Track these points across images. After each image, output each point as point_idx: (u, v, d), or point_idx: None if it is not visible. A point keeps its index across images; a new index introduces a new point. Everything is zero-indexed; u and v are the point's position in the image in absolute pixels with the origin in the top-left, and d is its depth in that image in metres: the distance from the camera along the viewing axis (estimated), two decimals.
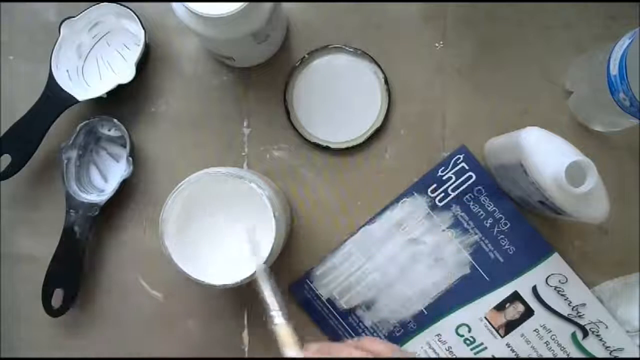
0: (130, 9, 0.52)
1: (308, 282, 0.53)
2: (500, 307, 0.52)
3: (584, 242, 0.52)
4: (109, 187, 0.54)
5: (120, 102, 0.54)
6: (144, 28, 0.52)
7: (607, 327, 0.51)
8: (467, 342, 0.52)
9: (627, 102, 0.43)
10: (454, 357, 0.52)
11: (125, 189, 0.54)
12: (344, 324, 0.53)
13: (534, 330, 0.52)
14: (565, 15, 0.53)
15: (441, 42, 0.54)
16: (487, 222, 0.52)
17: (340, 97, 0.53)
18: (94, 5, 0.52)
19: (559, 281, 0.51)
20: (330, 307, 0.53)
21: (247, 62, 0.53)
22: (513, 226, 0.52)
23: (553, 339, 0.52)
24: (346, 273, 0.53)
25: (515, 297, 0.52)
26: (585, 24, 0.53)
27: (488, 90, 0.53)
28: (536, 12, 0.53)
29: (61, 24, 0.52)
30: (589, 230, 0.52)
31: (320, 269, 0.53)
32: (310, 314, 0.53)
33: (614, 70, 0.44)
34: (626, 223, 0.52)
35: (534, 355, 0.52)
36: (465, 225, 0.52)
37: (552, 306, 0.51)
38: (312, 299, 0.53)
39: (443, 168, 0.53)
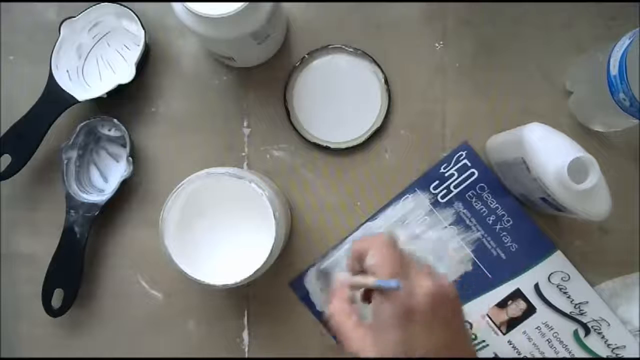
0: (130, 9, 0.52)
1: (310, 277, 0.53)
2: (502, 304, 0.52)
3: (585, 241, 0.52)
4: (109, 187, 0.54)
5: (120, 102, 0.54)
6: (144, 28, 0.52)
7: (609, 325, 0.51)
8: None
9: (627, 102, 0.44)
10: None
11: (125, 189, 0.54)
12: None
13: (536, 328, 0.52)
14: (565, 15, 0.53)
15: (441, 42, 0.54)
16: (489, 219, 0.52)
17: (341, 97, 0.53)
18: (94, 5, 0.52)
19: (562, 279, 0.51)
20: None
21: (247, 62, 0.53)
22: (515, 223, 0.52)
23: (555, 337, 0.52)
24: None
25: (517, 294, 0.52)
26: (585, 24, 0.53)
27: (488, 90, 0.53)
28: (536, 12, 0.53)
29: (61, 24, 0.52)
30: (590, 230, 0.52)
31: (322, 264, 0.53)
32: (311, 308, 0.53)
33: (614, 70, 0.44)
34: (626, 223, 0.52)
35: (536, 353, 0.52)
36: (468, 222, 0.52)
37: (554, 304, 0.52)
38: (314, 294, 0.53)
39: (445, 165, 0.53)
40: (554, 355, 0.52)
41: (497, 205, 0.52)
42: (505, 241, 0.52)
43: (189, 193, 0.45)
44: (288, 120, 0.53)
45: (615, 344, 0.51)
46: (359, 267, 0.39)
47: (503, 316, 0.52)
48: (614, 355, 0.51)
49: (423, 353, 0.34)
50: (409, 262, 0.37)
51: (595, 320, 0.51)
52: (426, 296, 0.35)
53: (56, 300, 0.52)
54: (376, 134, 0.53)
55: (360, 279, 0.37)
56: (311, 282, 0.53)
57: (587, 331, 0.51)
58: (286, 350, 0.53)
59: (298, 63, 0.53)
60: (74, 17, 0.52)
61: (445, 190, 0.53)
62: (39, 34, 0.55)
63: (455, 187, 0.53)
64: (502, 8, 0.53)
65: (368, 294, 0.38)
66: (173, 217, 0.44)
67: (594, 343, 0.51)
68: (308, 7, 0.54)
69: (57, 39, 0.52)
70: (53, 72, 0.51)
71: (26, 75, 0.55)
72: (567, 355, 0.52)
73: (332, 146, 0.53)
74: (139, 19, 0.52)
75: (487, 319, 0.52)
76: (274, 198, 0.45)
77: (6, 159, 0.51)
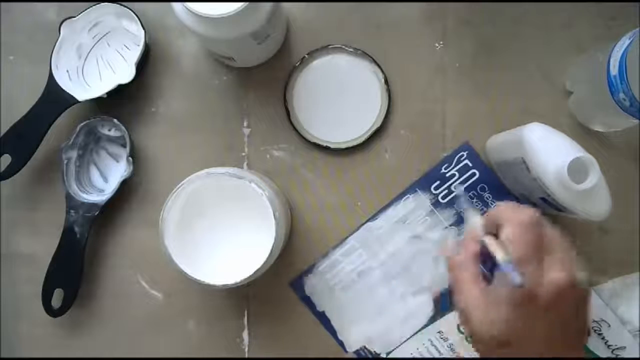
0: (130, 9, 0.52)
1: (310, 277, 0.53)
2: None
3: (585, 241, 0.52)
4: (109, 187, 0.54)
5: (120, 102, 0.54)
6: (144, 28, 0.52)
7: (609, 326, 0.51)
8: (469, 339, 0.52)
9: (627, 102, 0.43)
10: (456, 354, 0.52)
11: (125, 189, 0.54)
12: None
13: None
14: (565, 15, 0.53)
15: (441, 42, 0.54)
16: None
17: (340, 97, 0.53)
18: (94, 5, 0.52)
19: None
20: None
21: (247, 62, 0.53)
22: None
23: None
24: (348, 268, 0.53)
25: None
26: (585, 24, 0.53)
27: (488, 90, 0.53)
28: (536, 12, 0.53)
29: (61, 24, 0.52)
30: (590, 230, 0.52)
31: (322, 264, 0.53)
32: (312, 308, 0.53)
33: (614, 70, 0.44)
34: (626, 223, 0.52)
35: None
36: None
37: None
38: (314, 294, 0.53)
39: (446, 165, 0.53)
40: None
41: None
42: None
43: (189, 193, 0.45)
44: (288, 120, 0.53)
45: (616, 345, 0.51)
46: (494, 231, 0.38)
47: None
48: (614, 356, 0.51)
49: (529, 341, 0.34)
50: (550, 246, 0.35)
51: (596, 322, 0.51)
52: (553, 288, 0.34)
53: (56, 300, 0.52)
54: (376, 134, 0.53)
55: (491, 244, 0.36)
56: (311, 284, 0.53)
57: (587, 332, 0.51)
58: (286, 350, 0.53)
59: (298, 63, 0.53)
60: (74, 17, 0.52)
61: (446, 191, 0.53)
62: (39, 34, 0.55)
63: (457, 187, 0.53)
64: (502, 8, 0.53)
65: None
66: (173, 217, 0.44)
67: (594, 344, 0.51)
68: (308, 7, 0.54)
69: (57, 39, 0.52)
70: (53, 72, 0.51)
71: (26, 75, 0.55)
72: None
73: (332, 146, 0.53)
74: (139, 19, 0.52)
75: None
76: (274, 198, 0.45)
77: (6, 159, 0.51)
